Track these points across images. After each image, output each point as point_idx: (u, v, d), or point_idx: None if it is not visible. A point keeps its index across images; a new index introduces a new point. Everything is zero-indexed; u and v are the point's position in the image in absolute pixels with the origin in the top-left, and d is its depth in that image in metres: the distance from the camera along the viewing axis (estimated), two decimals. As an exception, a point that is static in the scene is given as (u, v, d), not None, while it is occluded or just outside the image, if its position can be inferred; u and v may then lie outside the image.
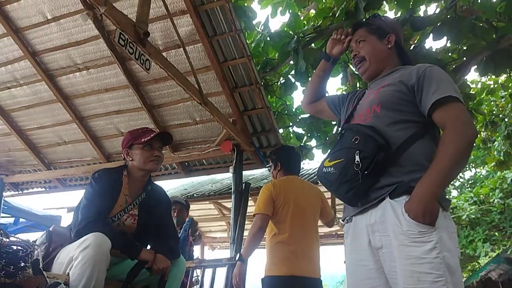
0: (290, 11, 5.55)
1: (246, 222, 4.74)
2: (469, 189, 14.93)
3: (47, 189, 6.51)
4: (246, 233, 4.69)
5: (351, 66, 5.54)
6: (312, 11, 6.06)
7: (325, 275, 3.27)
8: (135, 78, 4.64)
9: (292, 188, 3.17)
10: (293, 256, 2.96)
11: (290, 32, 5.25)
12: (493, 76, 6.95)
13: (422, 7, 5.51)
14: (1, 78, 4.89)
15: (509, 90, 7.57)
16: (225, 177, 9.35)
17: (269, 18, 5.62)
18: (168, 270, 2.30)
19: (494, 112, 8.29)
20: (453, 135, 1.53)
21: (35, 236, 2.45)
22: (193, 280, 4.13)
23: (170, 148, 5.13)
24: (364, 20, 2.08)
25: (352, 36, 1.98)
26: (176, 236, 2.66)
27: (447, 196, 1.62)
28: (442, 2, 5.06)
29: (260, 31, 5.67)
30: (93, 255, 1.96)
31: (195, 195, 8.28)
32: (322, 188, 2.97)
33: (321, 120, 6.30)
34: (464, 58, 5.03)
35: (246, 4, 5.50)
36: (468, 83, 6.51)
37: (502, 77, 7.63)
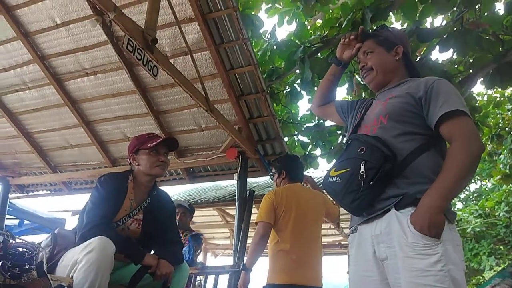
0: (297, 20, 5.59)
1: (250, 230, 4.73)
2: (474, 201, 14.81)
3: (52, 192, 6.54)
4: (249, 240, 4.69)
5: (357, 76, 5.56)
6: (319, 21, 6.10)
7: (327, 285, 3.26)
8: (142, 83, 4.67)
9: (294, 196, 3.17)
10: (294, 265, 2.95)
11: (297, 41, 5.29)
12: (500, 89, 6.94)
13: (429, 19, 5.54)
14: (10, 81, 4.94)
15: (516, 103, 7.56)
16: (229, 184, 9.34)
17: (276, 27, 5.67)
18: (171, 275, 2.29)
19: (500, 125, 8.26)
20: (460, 149, 1.53)
21: (39, 238, 2.46)
22: (196, 284, 4.13)
23: (175, 154, 5.15)
24: (371, 31, 2.08)
25: (361, 44, 1.96)
26: (180, 242, 2.67)
27: (452, 209, 1.62)
28: (449, 14, 5.08)
29: (267, 39, 5.71)
30: (97, 259, 1.97)
31: (199, 201, 8.27)
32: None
33: (326, 129, 6.32)
34: (470, 71, 5.04)
35: (253, 13, 5.55)
36: (474, 95, 6.50)
37: (509, 90, 7.63)
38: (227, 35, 4.03)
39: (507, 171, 8.27)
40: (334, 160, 1.85)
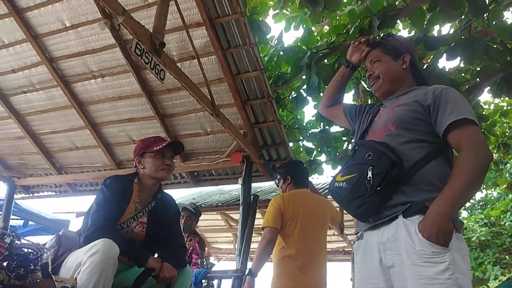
0: (304, 26, 5.60)
1: (254, 235, 4.73)
2: (479, 210, 14.72)
3: (57, 193, 6.57)
4: (253, 245, 4.68)
5: (363, 83, 5.56)
6: (326, 27, 6.11)
7: (330, 293, 3.25)
8: (148, 87, 4.70)
9: (301, 201, 3.16)
10: (299, 272, 2.94)
11: (304, 47, 5.30)
12: (507, 98, 6.90)
13: (436, 27, 5.54)
14: (18, 83, 4.98)
15: (523, 112, 7.51)
16: (234, 189, 9.35)
17: (283, 33, 5.68)
18: (175, 279, 2.29)
19: (507, 134, 8.20)
20: (468, 157, 1.53)
21: (43, 239, 2.47)
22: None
23: (180, 157, 5.16)
24: (378, 39, 2.08)
25: (371, 48, 1.97)
26: (183, 245, 2.67)
27: (458, 218, 1.61)
28: (457, 22, 5.07)
29: (274, 45, 5.73)
30: (101, 260, 1.98)
31: (203, 205, 8.27)
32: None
33: (332, 135, 6.31)
34: (478, 79, 5.02)
35: (260, 19, 5.57)
36: (481, 104, 6.48)
37: (516, 99, 7.57)
38: (234, 40, 4.04)
39: (514, 180, 8.21)
40: (339, 166, 1.84)
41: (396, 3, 4.98)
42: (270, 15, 5.99)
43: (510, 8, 5.15)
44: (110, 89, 4.82)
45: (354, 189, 1.61)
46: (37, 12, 4.17)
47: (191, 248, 4.48)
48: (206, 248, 4.93)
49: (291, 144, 5.64)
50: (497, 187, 12.10)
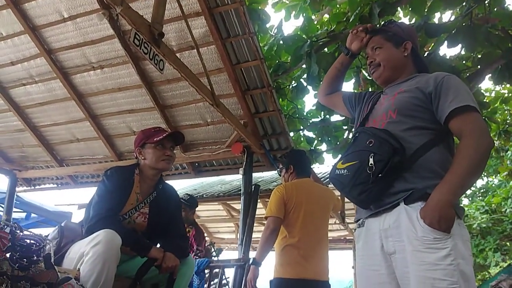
0: (304, 15, 5.55)
1: (255, 224, 4.75)
2: (480, 198, 14.74)
3: (59, 185, 6.59)
4: (254, 235, 4.71)
5: (363, 71, 5.53)
6: (326, 16, 6.06)
7: (332, 280, 3.27)
8: (148, 78, 4.68)
9: (304, 190, 3.17)
10: (302, 260, 2.96)
11: (303, 36, 5.26)
12: (508, 85, 6.87)
13: (437, 14, 5.49)
14: (17, 75, 4.96)
15: (524, 99, 7.47)
16: (235, 179, 9.36)
17: (282, 22, 5.64)
18: (177, 268, 2.31)
19: (508, 121, 8.18)
20: (470, 144, 1.54)
21: (45, 232, 2.48)
22: (223, 282, 4.17)
23: (181, 148, 5.16)
24: (380, 26, 2.07)
25: (370, 36, 1.96)
26: (185, 235, 2.68)
27: (460, 204, 1.62)
28: (458, 9, 5.03)
29: (273, 34, 5.69)
30: (104, 251, 1.99)
31: (204, 196, 8.30)
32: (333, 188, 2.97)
33: (332, 125, 6.30)
34: (479, 66, 4.99)
35: (260, 7, 5.52)
36: (482, 91, 6.45)
37: (517, 86, 7.53)
38: (233, 29, 4.02)
39: (514, 167, 8.21)
40: (340, 156, 1.84)
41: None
42: (269, 4, 5.95)
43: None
44: (110, 80, 4.80)
45: (356, 176, 1.61)
46: (35, 3, 4.14)
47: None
48: (207, 238, 4.95)
49: (291, 134, 5.64)
50: (498, 174, 12.13)
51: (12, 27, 4.41)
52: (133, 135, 5.26)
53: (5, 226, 1.55)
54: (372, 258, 1.65)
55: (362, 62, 5.27)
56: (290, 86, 6.05)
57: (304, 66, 5.28)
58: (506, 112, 8.46)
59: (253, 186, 4.89)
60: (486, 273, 12.99)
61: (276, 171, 4.93)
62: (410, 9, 4.96)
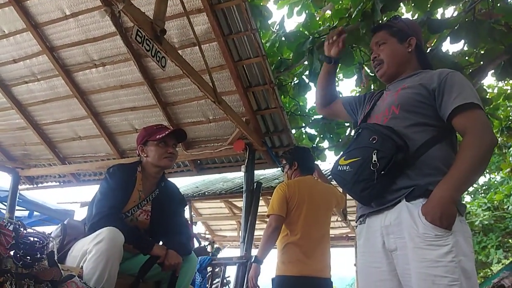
0: (307, 11, 5.53)
1: (257, 222, 4.75)
2: (482, 195, 14.72)
3: (61, 183, 6.61)
4: (256, 232, 4.71)
5: (366, 67, 5.51)
6: (328, 12, 6.03)
7: (334, 278, 3.27)
8: (150, 75, 4.68)
9: (306, 188, 3.16)
10: (304, 257, 2.96)
11: (305, 32, 5.24)
12: (511, 81, 6.85)
13: (440, 10, 5.46)
14: (19, 73, 4.97)
15: (527, 96, 7.44)
16: (237, 176, 9.36)
17: (284, 18, 5.62)
18: (180, 266, 2.31)
19: (510, 117, 8.15)
20: (473, 141, 1.53)
21: (48, 230, 2.49)
22: (224, 281, 4.17)
23: (183, 145, 5.16)
24: (385, 22, 2.06)
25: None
26: (187, 233, 2.68)
27: (462, 201, 1.61)
28: (460, 5, 5.00)
29: (275, 31, 5.67)
30: (107, 249, 1.99)
31: (206, 193, 8.31)
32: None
33: (334, 122, 6.28)
34: (481, 62, 4.96)
35: (262, 4, 5.51)
36: (485, 87, 6.42)
37: (520, 82, 7.51)
38: (235, 26, 4.01)
39: (517, 164, 8.19)
40: (342, 151, 1.82)
41: (399, -14, 4.90)
42: (271, 1, 5.92)
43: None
44: (112, 77, 4.80)
45: (358, 172, 1.60)
46: (37, 0, 4.14)
47: None
48: (208, 236, 4.94)
49: (293, 131, 5.63)
50: (501, 171, 12.08)
51: (14, 25, 4.41)
52: (135, 132, 5.27)
53: (9, 224, 1.55)
54: (373, 255, 1.65)
55: (365, 59, 5.25)
56: (292, 83, 6.04)
57: (306, 62, 5.27)
58: (508, 108, 8.43)
59: (255, 184, 4.89)
60: (488, 271, 12.98)
61: (279, 168, 4.91)
62: (413, 4, 4.92)
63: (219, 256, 5.03)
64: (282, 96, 5.75)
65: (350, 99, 2.12)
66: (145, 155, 2.52)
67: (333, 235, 10.04)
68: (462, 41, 4.43)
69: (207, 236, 11.60)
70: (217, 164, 5.65)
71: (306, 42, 4.87)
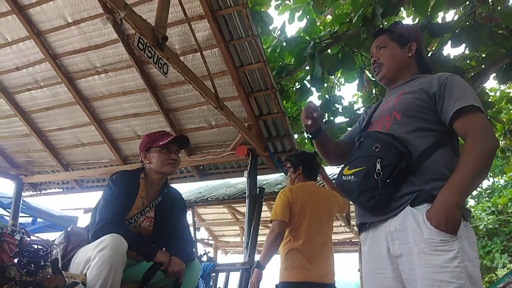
0: (308, 17, 5.56)
1: (260, 227, 4.73)
2: (486, 198, 14.66)
3: (65, 190, 6.62)
4: (260, 238, 4.70)
5: (367, 72, 5.52)
6: (329, 17, 6.06)
7: (338, 283, 3.26)
8: (152, 81, 4.69)
9: (309, 194, 3.16)
10: (307, 263, 2.95)
11: (307, 37, 5.26)
12: (513, 84, 6.85)
13: (440, 14, 5.47)
14: (22, 80, 4.99)
15: (529, 99, 7.42)
16: (239, 182, 9.36)
17: (285, 24, 5.64)
18: (183, 272, 2.30)
19: (513, 120, 8.14)
20: (475, 145, 1.53)
21: (52, 236, 2.49)
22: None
23: (185, 151, 5.17)
24: (386, 27, 2.06)
25: (374, 37, 1.94)
26: (191, 239, 2.68)
27: (465, 206, 1.61)
28: (461, 9, 5.01)
29: (277, 36, 5.69)
30: (110, 256, 1.99)
31: (209, 199, 8.30)
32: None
33: (336, 126, 6.29)
34: (483, 66, 4.97)
35: (263, 10, 5.53)
36: (487, 91, 6.42)
37: (522, 85, 7.50)
38: (236, 32, 4.02)
39: (521, 167, 8.15)
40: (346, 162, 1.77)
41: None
42: (272, 6, 5.96)
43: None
44: (114, 84, 4.82)
45: (363, 182, 1.59)
46: (39, 8, 4.17)
47: None
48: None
49: (296, 136, 5.63)
50: (504, 175, 12.05)
51: (17, 33, 4.44)
52: (138, 138, 5.28)
53: (14, 232, 1.55)
54: (378, 261, 1.64)
55: (366, 63, 5.26)
56: (294, 88, 6.05)
57: (307, 67, 5.28)
58: (511, 111, 8.41)
59: (258, 189, 4.88)
60: (493, 275, 12.90)
61: (281, 174, 4.91)
62: (413, 9, 4.94)
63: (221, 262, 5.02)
64: (284, 101, 5.76)
65: (352, 134, 2.03)
66: (148, 161, 2.53)
67: (336, 240, 10.02)
68: (463, 45, 4.44)
69: (210, 242, 11.58)
70: (219, 169, 5.65)
71: (307, 47, 4.89)
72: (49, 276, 1.60)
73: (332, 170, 8.64)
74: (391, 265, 1.60)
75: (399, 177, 1.55)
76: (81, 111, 5.16)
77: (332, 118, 6.25)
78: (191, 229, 5.93)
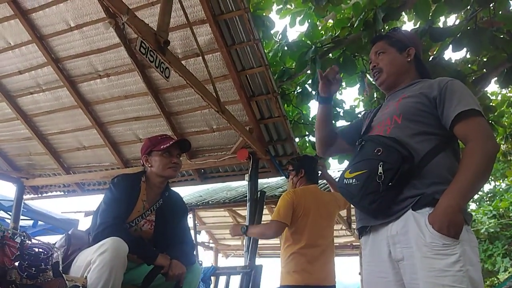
0: (309, 21, 5.57)
1: (261, 231, 4.71)
2: (488, 202, 14.62)
3: (66, 193, 6.62)
4: (261, 241, 4.69)
5: (368, 76, 5.53)
6: (330, 21, 6.08)
7: (339, 286, 3.26)
8: (154, 85, 4.71)
9: (312, 197, 3.17)
10: (309, 266, 2.95)
11: (308, 41, 5.27)
12: (514, 88, 6.85)
13: (442, 18, 5.48)
14: (25, 84, 5.01)
15: (531, 103, 7.42)
16: (240, 185, 9.35)
17: (287, 28, 5.66)
18: (184, 276, 2.31)
19: (514, 124, 8.13)
20: (475, 149, 1.54)
21: (53, 239, 2.50)
22: None
23: (186, 155, 5.17)
24: (384, 33, 2.07)
25: (374, 42, 1.96)
26: (192, 243, 2.68)
27: (467, 210, 1.61)
28: (462, 13, 5.03)
29: (278, 40, 5.71)
30: (111, 259, 1.99)
31: (210, 202, 8.30)
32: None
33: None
34: (484, 70, 4.97)
35: (264, 14, 5.55)
36: (488, 95, 6.42)
37: (523, 89, 7.50)
38: (238, 36, 4.03)
39: (522, 171, 8.14)
40: (346, 161, 1.79)
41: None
42: (274, 10, 5.97)
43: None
44: (116, 88, 4.83)
45: (365, 185, 1.60)
46: (42, 13, 4.19)
47: None
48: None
49: (297, 140, 5.64)
50: (506, 179, 12.03)
51: (20, 37, 4.46)
52: (139, 142, 5.28)
53: (15, 236, 1.56)
54: (379, 265, 1.64)
55: (367, 67, 5.27)
56: (295, 92, 6.06)
57: (309, 71, 5.29)
58: (513, 115, 8.40)
59: (259, 193, 4.88)
60: (495, 279, 12.85)
61: (282, 177, 4.91)
62: (414, 13, 4.95)
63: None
64: (285, 105, 5.77)
65: (349, 131, 2.06)
66: (149, 165, 2.54)
67: (337, 244, 9.98)
68: (464, 49, 4.45)
69: (210, 245, 11.57)
70: (220, 173, 5.65)
71: (309, 51, 4.91)
72: (49, 279, 1.60)
73: (334, 174, 8.63)
74: (392, 268, 1.60)
75: (401, 181, 1.56)
76: (83, 114, 5.17)
77: (333, 122, 6.25)
78: (192, 232, 5.94)
